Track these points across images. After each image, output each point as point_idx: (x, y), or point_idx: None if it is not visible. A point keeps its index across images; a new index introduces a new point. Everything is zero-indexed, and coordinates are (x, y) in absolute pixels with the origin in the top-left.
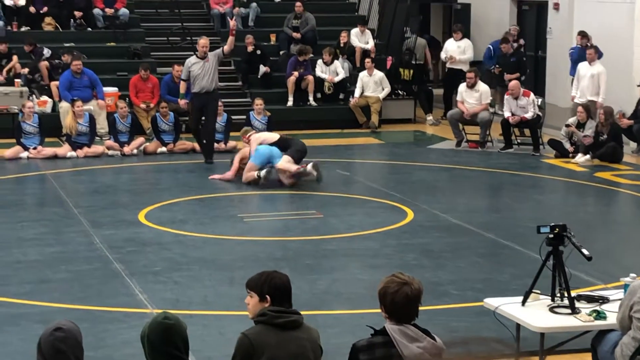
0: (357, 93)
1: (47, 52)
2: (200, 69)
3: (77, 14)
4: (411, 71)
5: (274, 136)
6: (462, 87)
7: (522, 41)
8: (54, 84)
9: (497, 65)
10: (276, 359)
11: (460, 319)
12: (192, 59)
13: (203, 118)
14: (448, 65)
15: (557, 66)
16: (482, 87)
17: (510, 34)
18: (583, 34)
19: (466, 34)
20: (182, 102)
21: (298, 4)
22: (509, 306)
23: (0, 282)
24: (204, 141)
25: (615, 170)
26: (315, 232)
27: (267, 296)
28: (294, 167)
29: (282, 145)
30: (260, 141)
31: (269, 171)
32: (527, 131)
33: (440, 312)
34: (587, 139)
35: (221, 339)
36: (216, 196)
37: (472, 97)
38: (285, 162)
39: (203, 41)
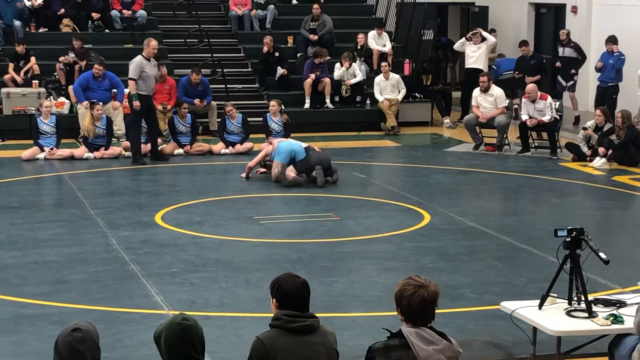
0: (379, 96)
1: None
2: (150, 70)
3: (95, 15)
4: (430, 76)
5: (298, 143)
6: (477, 91)
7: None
8: (71, 88)
9: (516, 72)
10: None
11: (476, 322)
12: (142, 60)
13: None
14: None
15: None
16: (496, 90)
17: (561, 38)
18: (613, 40)
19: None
20: (137, 104)
21: (315, 6)
22: (525, 309)
23: (17, 283)
24: (151, 141)
25: (632, 174)
26: (332, 235)
27: (274, 299)
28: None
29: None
30: (282, 140)
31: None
32: (544, 134)
33: (457, 315)
34: (602, 149)
35: (237, 341)
36: (232, 198)
37: (487, 101)
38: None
39: (154, 43)
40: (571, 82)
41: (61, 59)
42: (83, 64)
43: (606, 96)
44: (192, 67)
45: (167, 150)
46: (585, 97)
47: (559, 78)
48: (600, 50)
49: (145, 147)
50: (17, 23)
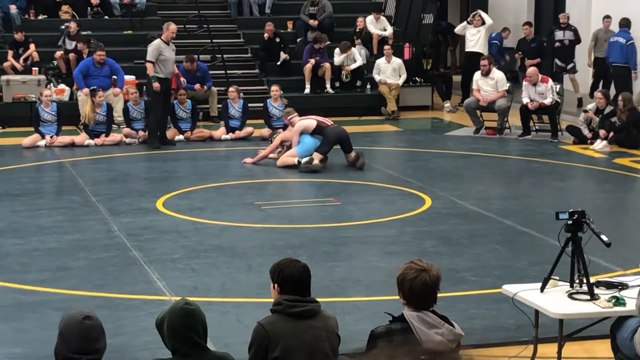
0: (377, 77)
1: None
2: (168, 54)
3: (94, 1)
4: (430, 60)
5: (313, 123)
6: (477, 75)
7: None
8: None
9: (519, 52)
10: (291, 348)
11: (478, 305)
12: (160, 43)
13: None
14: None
15: (576, 52)
16: (497, 74)
17: (561, 21)
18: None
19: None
20: (157, 85)
21: None
22: (527, 293)
23: (19, 270)
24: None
25: (633, 157)
26: (333, 220)
27: (276, 285)
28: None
29: (318, 133)
30: (302, 128)
31: (310, 160)
32: (545, 118)
33: (459, 299)
34: (602, 131)
35: (239, 326)
36: (233, 184)
37: (488, 84)
38: (316, 157)
39: (173, 27)
40: (571, 65)
41: (58, 54)
42: (86, 51)
43: (619, 75)
44: (192, 52)
45: (167, 136)
46: (586, 80)
47: (557, 61)
48: None
49: (143, 134)
50: (14, 11)
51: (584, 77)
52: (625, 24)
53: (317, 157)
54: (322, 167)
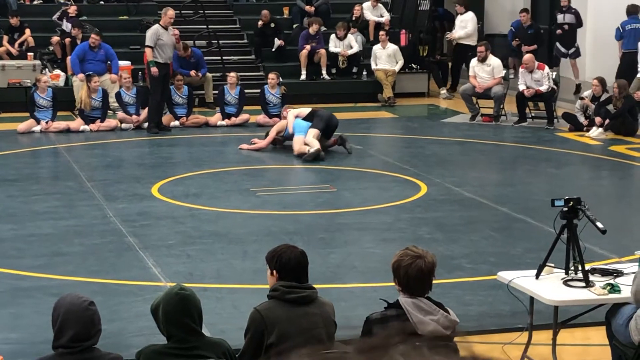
0: (374, 65)
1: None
2: (167, 39)
3: None
4: (426, 47)
5: (306, 109)
6: (474, 61)
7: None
8: (69, 60)
9: (516, 38)
10: (287, 334)
11: (473, 292)
12: (159, 28)
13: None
14: (455, 41)
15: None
16: (494, 60)
17: (562, 3)
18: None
19: (473, 8)
20: (155, 70)
21: None
22: (522, 279)
23: (14, 255)
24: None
25: (629, 144)
26: (329, 206)
27: (274, 271)
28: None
29: (310, 119)
30: (296, 114)
31: (318, 151)
32: (541, 105)
33: (454, 286)
34: (599, 119)
35: (235, 312)
36: (229, 170)
37: (484, 71)
38: (310, 137)
39: (172, 12)
40: (573, 49)
41: (54, 39)
42: (80, 36)
43: (634, 63)
44: (188, 38)
45: (163, 122)
46: (583, 66)
47: (558, 45)
48: (597, 17)
49: (138, 118)
50: None
51: (583, 63)
52: (634, 10)
53: (313, 134)
54: (324, 156)
